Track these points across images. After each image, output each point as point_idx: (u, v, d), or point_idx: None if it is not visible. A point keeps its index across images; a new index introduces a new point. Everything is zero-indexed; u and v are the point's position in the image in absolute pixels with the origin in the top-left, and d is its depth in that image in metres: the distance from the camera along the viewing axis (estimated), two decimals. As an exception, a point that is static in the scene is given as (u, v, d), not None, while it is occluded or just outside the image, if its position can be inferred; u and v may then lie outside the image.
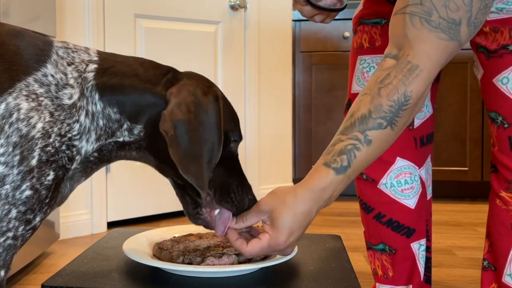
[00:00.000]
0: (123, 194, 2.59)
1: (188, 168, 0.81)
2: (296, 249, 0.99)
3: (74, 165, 0.83)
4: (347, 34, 3.25)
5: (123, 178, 2.59)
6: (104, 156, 0.86)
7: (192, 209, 0.92)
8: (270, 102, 3.15)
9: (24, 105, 0.75)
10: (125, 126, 0.84)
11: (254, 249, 0.89)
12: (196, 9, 2.81)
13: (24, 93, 0.76)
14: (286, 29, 3.20)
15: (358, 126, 0.89)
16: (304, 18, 3.34)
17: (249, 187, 0.93)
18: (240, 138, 0.92)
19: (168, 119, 0.81)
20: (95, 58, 0.85)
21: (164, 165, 0.88)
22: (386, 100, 0.88)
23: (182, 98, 0.83)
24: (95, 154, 0.85)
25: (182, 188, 0.91)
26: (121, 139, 0.85)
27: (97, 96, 0.82)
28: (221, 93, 0.90)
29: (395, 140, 1.33)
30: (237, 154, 0.94)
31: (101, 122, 0.83)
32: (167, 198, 2.71)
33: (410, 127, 1.32)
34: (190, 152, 0.81)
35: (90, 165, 0.86)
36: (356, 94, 1.36)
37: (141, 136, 0.85)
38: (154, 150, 0.86)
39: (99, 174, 2.48)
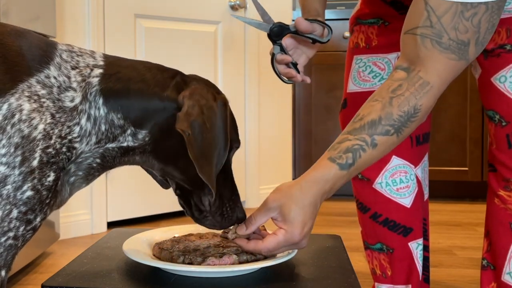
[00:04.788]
0: (123, 194, 2.59)
1: (202, 168, 0.82)
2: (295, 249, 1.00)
3: (74, 169, 0.83)
4: (347, 34, 3.25)
5: (123, 178, 2.59)
6: (107, 163, 0.86)
7: (198, 213, 0.93)
8: (270, 102, 3.15)
9: (26, 106, 0.75)
10: (128, 131, 0.84)
11: (270, 244, 0.90)
12: (196, 9, 2.81)
13: (26, 94, 0.75)
14: (286, 29, 3.19)
15: (367, 130, 0.93)
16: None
17: (239, 198, 0.95)
18: (239, 145, 0.94)
19: (185, 119, 0.82)
20: (101, 63, 0.84)
21: (170, 168, 0.88)
22: (397, 110, 0.93)
23: (196, 100, 0.84)
24: (98, 160, 0.84)
25: (187, 192, 0.91)
26: (125, 144, 0.85)
27: (101, 101, 0.82)
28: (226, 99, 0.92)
29: None
30: (231, 163, 0.95)
31: (103, 127, 0.82)
32: (167, 198, 2.71)
33: None
34: (203, 152, 0.83)
35: (93, 171, 0.86)
36: (352, 93, 1.36)
37: (145, 141, 0.85)
38: (160, 154, 0.87)
39: (99, 174, 2.48)
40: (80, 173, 0.84)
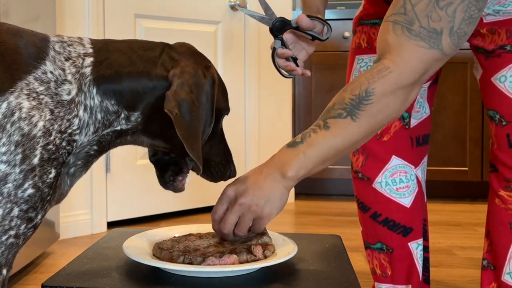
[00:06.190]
0: (123, 194, 2.59)
1: (192, 146, 0.85)
2: (296, 249, 1.00)
3: (73, 160, 0.84)
4: (347, 34, 3.25)
5: (123, 178, 2.59)
6: (103, 148, 0.88)
7: (169, 176, 0.99)
8: (270, 102, 3.15)
9: (26, 104, 0.75)
10: (122, 115, 0.86)
11: (216, 207, 0.98)
12: (196, 9, 2.81)
13: (25, 92, 0.76)
14: (286, 29, 3.19)
15: (322, 116, 0.97)
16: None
17: (231, 156, 1.01)
18: (229, 112, 0.99)
19: (173, 99, 0.84)
20: (90, 50, 0.86)
21: (159, 141, 0.92)
22: (349, 94, 0.95)
23: (185, 80, 0.86)
24: (95, 147, 0.86)
25: (169, 159, 0.97)
26: (118, 128, 0.87)
27: (94, 91, 0.83)
28: (216, 71, 0.94)
29: (391, 139, 1.35)
30: (222, 127, 1.01)
31: (99, 116, 0.84)
32: (167, 198, 2.71)
33: (407, 126, 1.32)
34: (191, 130, 0.85)
35: (91, 159, 0.88)
36: None
37: (138, 121, 0.88)
38: (150, 131, 0.90)
39: (99, 174, 2.48)
40: (79, 162, 0.86)
